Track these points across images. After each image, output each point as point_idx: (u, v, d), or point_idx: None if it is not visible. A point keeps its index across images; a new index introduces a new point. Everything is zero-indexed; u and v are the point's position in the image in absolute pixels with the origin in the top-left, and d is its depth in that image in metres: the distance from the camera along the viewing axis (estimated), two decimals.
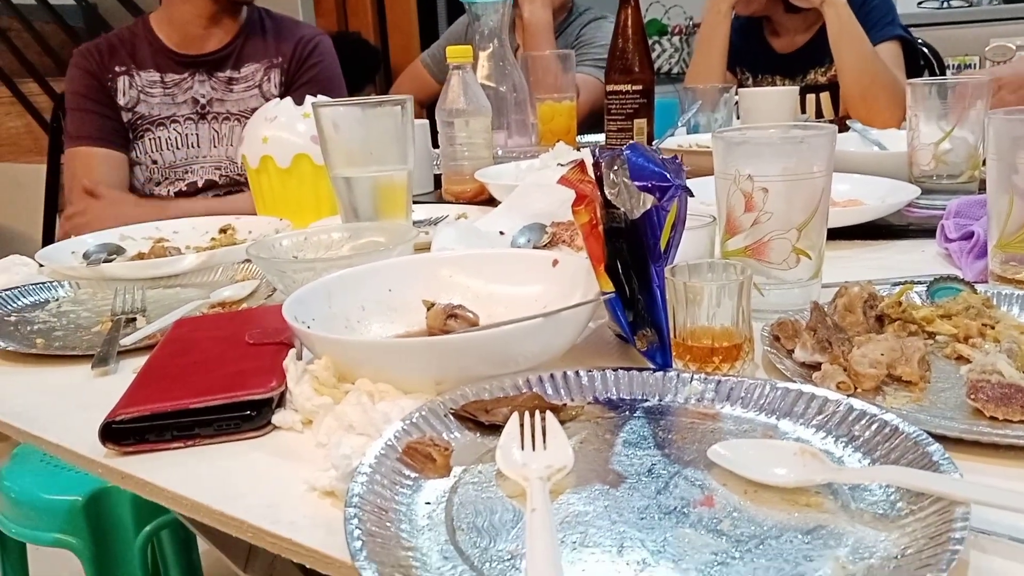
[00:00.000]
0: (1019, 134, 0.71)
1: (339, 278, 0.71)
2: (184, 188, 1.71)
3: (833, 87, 1.95)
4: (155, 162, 1.71)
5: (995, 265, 0.75)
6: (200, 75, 1.71)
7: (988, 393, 0.52)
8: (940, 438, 0.48)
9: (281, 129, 1.23)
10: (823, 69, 1.96)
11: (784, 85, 2.01)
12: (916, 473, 0.43)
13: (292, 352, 0.61)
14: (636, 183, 0.61)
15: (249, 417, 0.57)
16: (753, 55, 2.07)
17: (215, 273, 0.97)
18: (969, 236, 0.83)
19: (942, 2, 2.97)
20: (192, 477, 0.53)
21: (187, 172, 1.71)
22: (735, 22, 2.16)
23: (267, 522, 0.47)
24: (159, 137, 1.70)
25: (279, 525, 0.47)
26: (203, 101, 1.70)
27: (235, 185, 1.71)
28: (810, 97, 2.00)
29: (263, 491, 0.51)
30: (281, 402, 0.59)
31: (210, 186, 1.72)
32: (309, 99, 1.19)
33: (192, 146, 1.71)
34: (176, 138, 1.70)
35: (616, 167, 0.63)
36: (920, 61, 1.94)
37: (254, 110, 1.63)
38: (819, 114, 1.98)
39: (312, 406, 0.56)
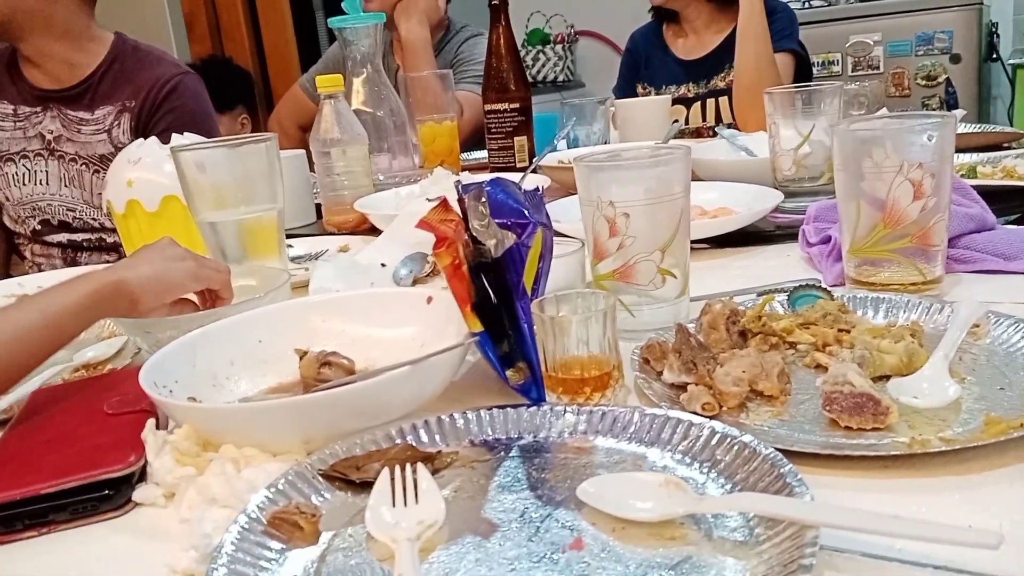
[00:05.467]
0: (863, 143, 0.75)
1: (203, 333, 0.69)
2: (38, 226, 1.64)
3: (731, 92, 2.02)
4: (7, 199, 1.64)
5: (850, 269, 0.79)
6: (52, 110, 1.62)
7: (841, 404, 0.54)
8: (797, 454, 0.50)
9: (146, 171, 1.18)
10: (723, 74, 2.02)
11: (687, 93, 2.06)
12: (770, 499, 0.44)
13: (150, 422, 0.58)
14: (496, 220, 0.61)
15: (108, 496, 0.54)
16: (656, 67, 2.12)
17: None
18: (827, 240, 0.87)
19: (804, 2, 3.11)
20: (46, 568, 0.50)
21: (36, 209, 1.64)
22: (638, 35, 2.21)
23: None
24: (7, 173, 1.62)
25: None
26: (50, 137, 1.62)
27: (90, 230, 1.64)
28: (710, 102, 2.06)
29: None
30: (143, 476, 0.56)
31: (63, 227, 1.65)
32: (175, 138, 1.15)
33: (40, 183, 1.63)
34: (24, 174, 1.62)
35: (482, 199, 0.63)
36: (809, 78, 2.01)
37: (102, 157, 1.56)
38: (718, 119, 2.04)
39: (173, 479, 0.54)
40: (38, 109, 1.62)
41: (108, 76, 1.63)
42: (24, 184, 1.62)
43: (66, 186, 1.63)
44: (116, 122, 1.62)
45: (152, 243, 0.78)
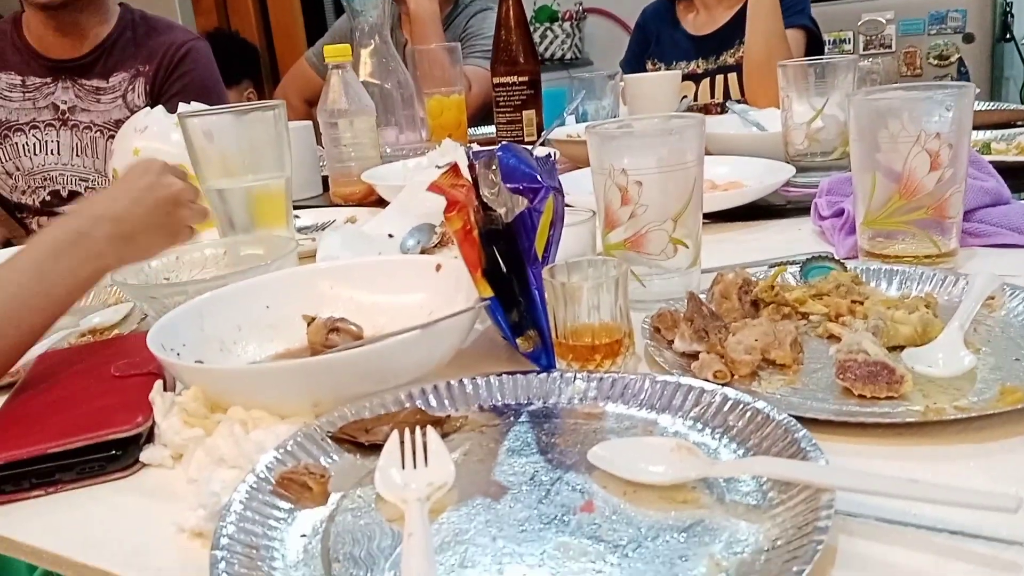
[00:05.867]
0: (879, 114, 0.74)
1: (211, 298, 0.68)
2: (48, 197, 1.64)
3: (740, 69, 1.99)
4: (17, 169, 1.63)
5: (864, 241, 0.78)
6: (64, 81, 1.62)
7: (855, 372, 0.54)
8: (811, 421, 0.50)
9: (153, 140, 1.17)
10: (732, 51, 2.00)
11: (697, 69, 2.04)
12: (784, 463, 0.44)
13: (158, 384, 0.58)
14: (508, 185, 0.60)
15: (115, 457, 0.54)
16: (666, 43, 2.10)
17: (87, 297, 0.92)
18: (840, 213, 0.86)
19: None
20: (53, 527, 0.50)
21: (47, 180, 1.63)
22: (649, 11, 2.19)
23: (133, 570, 0.45)
24: (17, 143, 1.61)
25: (146, 572, 0.45)
26: (64, 107, 1.62)
27: None
28: (719, 78, 2.04)
29: (130, 536, 0.48)
30: (151, 437, 0.56)
31: (74, 198, 1.64)
32: (182, 107, 1.14)
33: (52, 153, 1.63)
34: (35, 144, 1.62)
35: (493, 167, 0.62)
36: (823, 55, 1.99)
37: (118, 122, 1.57)
38: (727, 95, 2.02)
39: (181, 440, 0.53)
40: (48, 80, 1.62)
41: (119, 44, 1.63)
42: (35, 154, 1.62)
43: (78, 156, 1.63)
44: (131, 87, 1.63)
45: (132, 172, 0.74)
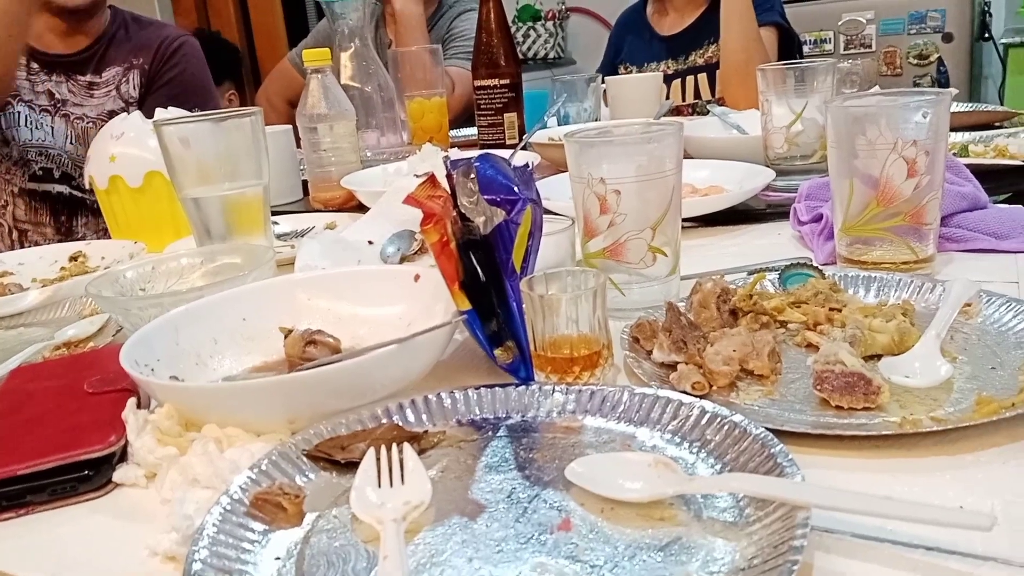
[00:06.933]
0: (856, 120, 0.74)
1: (187, 311, 0.67)
2: (39, 172, 1.66)
3: (709, 69, 2.00)
4: (13, 139, 1.64)
5: (842, 248, 0.78)
6: (59, 75, 1.67)
7: (832, 383, 0.54)
8: (788, 433, 0.50)
9: (130, 146, 1.16)
10: (701, 51, 2.01)
11: (667, 70, 2.05)
12: (760, 480, 0.44)
13: (131, 401, 0.57)
14: (485, 196, 0.60)
15: (87, 477, 0.53)
16: (636, 46, 2.11)
17: (62, 308, 0.91)
18: (819, 218, 0.87)
19: None
20: (23, 550, 0.49)
21: (42, 155, 1.65)
22: (621, 18, 2.20)
23: None
24: (19, 112, 1.64)
25: None
26: (58, 97, 1.66)
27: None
28: (689, 79, 2.05)
29: (102, 559, 0.47)
30: (124, 456, 0.55)
31: (66, 179, 1.67)
32: (159, 112, 1.13)
33: (49, 134, 1.66)
34: (34, 120, 1.65)
35: (471, 176, 0.62)
36: (796, 52, 2.00)
37: (111, 112, 1.59)
38: (697, 95, 2.03)
39: (155, 459, 0.53)
40: (45, 71, 1.66)
41: (114, 42, 1.68)
42: (36, 128, 1.65)
43: (72, 143, 1.66)
44: (124, 78, 1.67)
45: None
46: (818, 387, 0.54)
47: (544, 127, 1.54)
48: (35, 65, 1.66)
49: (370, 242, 0.99)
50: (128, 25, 1.73)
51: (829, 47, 3.05)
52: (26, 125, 1.65)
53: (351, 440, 0.52)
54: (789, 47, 1.96)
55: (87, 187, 1.61)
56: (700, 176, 1.09)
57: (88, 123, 1.65)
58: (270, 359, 0.68)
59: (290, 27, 3.57)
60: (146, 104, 1.63)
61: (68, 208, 1.71)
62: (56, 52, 1.66)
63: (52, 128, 1.65)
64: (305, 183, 1.43)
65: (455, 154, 1.20)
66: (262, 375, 0.65)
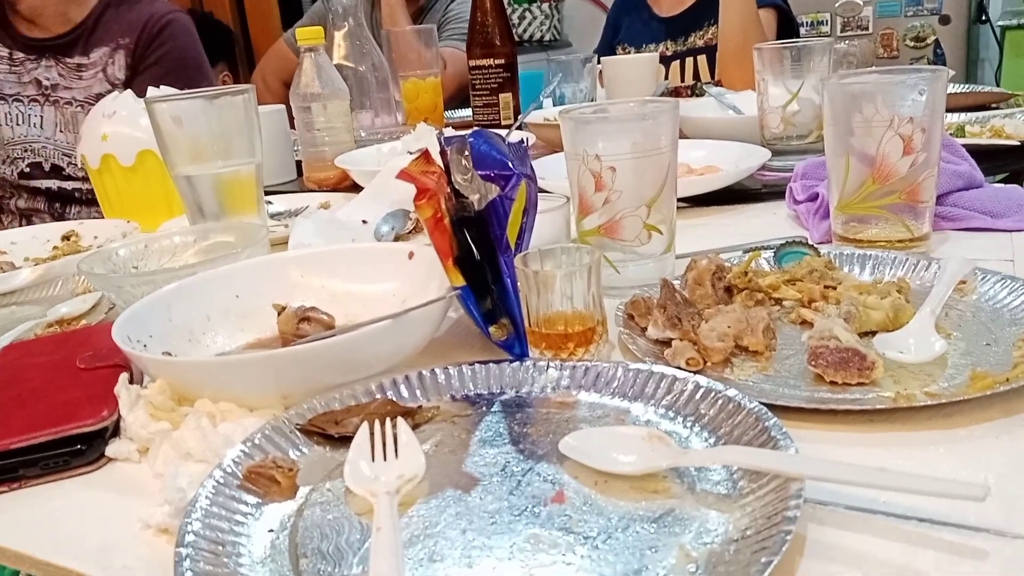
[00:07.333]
0: (853, 98, 0.74)
1: (179, 288, 0.67)
2: (27, 168, 1.64)
3: (709, 51, 1.99)
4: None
5: (837, 226, 0.78)
6: (47, 60, 1.63)
7: (827, 359, 0.54)
8: (782, 408, 0.50)
9: (121, 124, 1.15)
10: (701, 32, 1.99)
11: (666, 51, 2.04)
12: (754, 452, 0.44)
13: (123, 376, 0.57)
14: (479, 172, 0.59)
15: (79, 452, 0.53)
16: (635, 27, 2.10)
17: (55, 287, 0.90)
18: (815, 198, 0.86)
19: None
20: (16, 524, 0.49)
21: (28, 151, 1.63)
22: (618, 1, 2.19)
23: (98, 568, 0.44)
24: (1, 112, 1.61)
25: (111, 570, 0.44)
26: (47, 84, 1.63)
27: (82, 179, 1.63)
28: (688, 61, 2.03)
29: (96, 533, 0.47)
30: (116, 431, 0.55)
31: (55, 171, 1.64)
32: (151, 91, 1.12)
33: (35, 126, 1.63)
34: (18, 115, 1.63)
35: (465, 153, 0.61)
36: (795, 35, 1.99)
37: (99, 95, 1.57)
38: (696, 77, 2.02)
39: (148, 434, 0.52)
40: (32, 57, 1.63)
41: (101, 21, 1.65)
42: (17, 124, 1.63)
43: (61, 131, 1.64)
44: (111, 59, 1.63)
45: None
46: (812, 363, 0.54)
47: (539, 107, 1.53)
48: (19, 55, 1.63)
49: (364, 221, 0.99)
50: (118, 3, 1.69)
51: (826, 29, 3.04)
52: (7, 123, 1.63)
53: (345, 415, 0.52)
54: (788, 29, 1.95)
55: (79, 165, 1.61)
56: (696, 156, 1.09)
57: (76, 107, 1.62)
58: (263, 336, 0.68)
59: (283, 8, 3.54)
60: (134, 85, 1.61)
61: (60, 201, 1.70)
62: (44, 36, 1.63)
63: (41, 118, 1.62)
64: (299, 163, 1.42)
65: (449, 133, 1.20)
66: (255, 351, 0.65)
